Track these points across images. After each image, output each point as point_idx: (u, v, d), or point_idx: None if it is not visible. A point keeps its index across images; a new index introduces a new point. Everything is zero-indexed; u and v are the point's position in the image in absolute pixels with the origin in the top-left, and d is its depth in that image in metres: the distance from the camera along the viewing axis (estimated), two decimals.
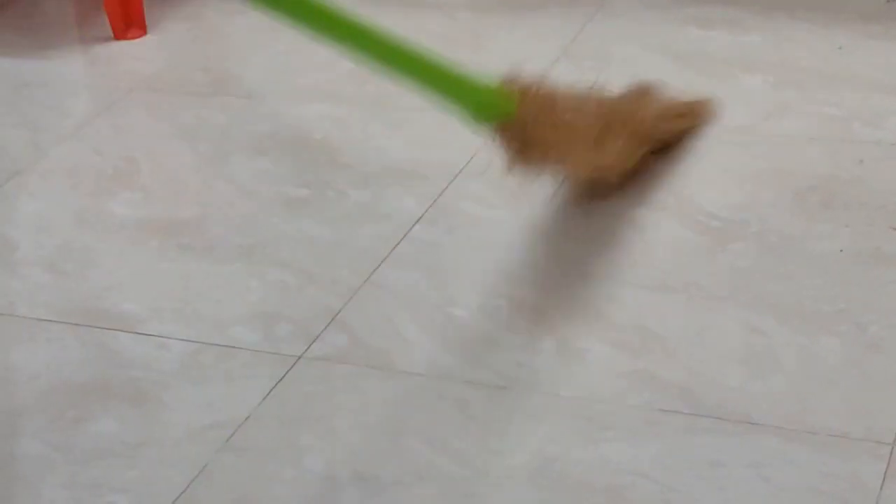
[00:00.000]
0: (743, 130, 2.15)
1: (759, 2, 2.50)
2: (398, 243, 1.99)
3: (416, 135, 2.26)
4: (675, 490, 1.51)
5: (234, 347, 1.82)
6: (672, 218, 1.97)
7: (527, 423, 1.64)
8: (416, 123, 2.29)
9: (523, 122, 1.87)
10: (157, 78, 2.57)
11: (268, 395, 1.72)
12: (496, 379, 1.71)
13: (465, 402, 1.68)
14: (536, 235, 1.98)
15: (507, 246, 1.97)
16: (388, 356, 1.78)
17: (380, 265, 1.95)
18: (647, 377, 1.68)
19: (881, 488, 1.48)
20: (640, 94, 2.05)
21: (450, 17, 2.64)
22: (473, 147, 2.16)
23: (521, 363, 1.74)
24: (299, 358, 1.79)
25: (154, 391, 1.76)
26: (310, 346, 1.81)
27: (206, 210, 2.13)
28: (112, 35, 2.71)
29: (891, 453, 1.52)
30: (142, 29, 2.73)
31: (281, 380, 1.75)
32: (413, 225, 2.03)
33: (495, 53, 2.48)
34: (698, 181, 2.04)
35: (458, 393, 1.69)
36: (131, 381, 1.78)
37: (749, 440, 1.57)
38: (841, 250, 1.86)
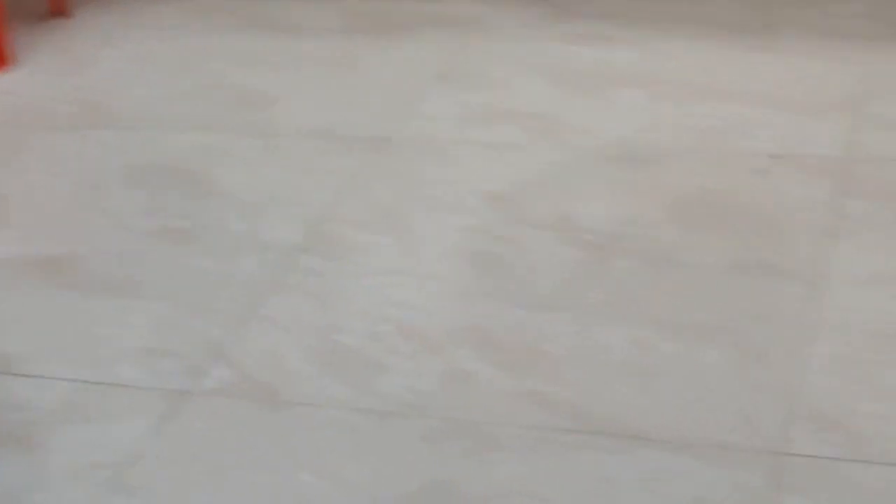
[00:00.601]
0: (619, 145, 2.16)
1: (630, 17, 2.52)
2: (281, 273, 1.98)
3: (294, 162, 2.25)
4: None
5: (118, 385, 1.79)
6: (553, 236, 1.98)
7: (418, 448, 1.63)
8: (293, 150, 2.27)
9: None
10: (27, 111, 2.52)
11: (154, 432, 1.70)
12: (385, 405, 1.70)
13: (355, 430, 1.67)
14: (416, 258, 1.98)
15: (390, 271, 1.96)
16: (276, 388, 1.76)
17: (264, 295, 1.93)
18: (536, 396, 1.68)
19: (768, 497, 1.49)
20: None
21: (325, 40, 2.64)
22: (353, 171, 2.16)
23: (410, 388, 1.73)
24: (186, 393, 1.76)
25: (37, 433, 1.72)
26: (196, 381, 1.78)
27: (83, 245, 2.09)
28: None
29: (776, 462, 1.54)
30: (8, 62, 2.68)
31: (167, 417, 1.72)
32: (295, 253, 2.02)
33: (372, 75, 2.47)
34: (578, 198, 2.05)
35: (348, 421, 1.68)
36: (13, 423, 1.74)
37: (637, 454, 1.58)
38: (720, 262, 1.88)
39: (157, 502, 1.59)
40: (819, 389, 1.64)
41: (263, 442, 1.68)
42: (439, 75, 2.43)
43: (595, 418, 1.64)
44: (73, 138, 2.40)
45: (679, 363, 1.71)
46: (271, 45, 2.64)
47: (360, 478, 1.59)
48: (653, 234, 1.95)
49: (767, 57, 2.35)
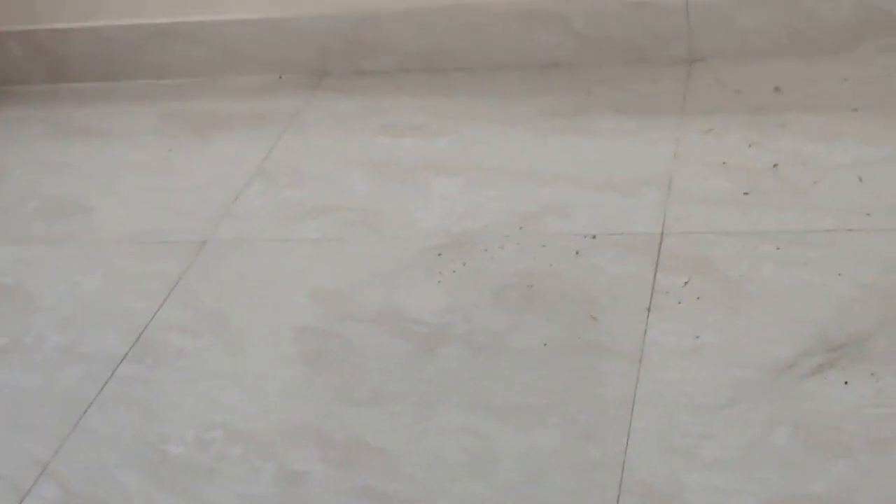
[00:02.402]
0: (440, 234, 2.18)
1: (444, 107, 2.56)
2: (104, 384, 1.94)
3: (113, 270, 2.21)
4: None
5: None
6: (381, 329, 1.98)
7: None
8: (111, 258, 2.24)
9: None
10: None
11: None
12: None
13: None
14: (244, 360, 1.96)
15: (217, 375, 1.94)
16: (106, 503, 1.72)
17: (87, 409, 1.89)
18: (370, 492, 1.68)
19: None
20: None
21: (136, 144, 2.61)
22: (174, 276, 2.13)
23: (244, 494, 1.71)
24: None
25: None
26: (20, 502, 1.73)
27: None
28: None
29: None
30: None
31: None
32: (118, 363, 1.98)
33: (188, 177, 2.46)
34: (402, 289, 2.06)
35: None
36: None
37: None
38: (545, 343, 1.90)
39: None
40: (645, 463, 1.66)
41: None
42: (257, 173, 2.43)
43: None
44: None
45: (512, 447, 1.72)
46: (84, 152, 2.60)
47: None
48: (478, 320, 1.97)
49: (580, 139, 2.40)
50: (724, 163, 2.25)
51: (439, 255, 2.13)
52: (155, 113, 2.71)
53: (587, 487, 1.65)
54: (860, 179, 2.13)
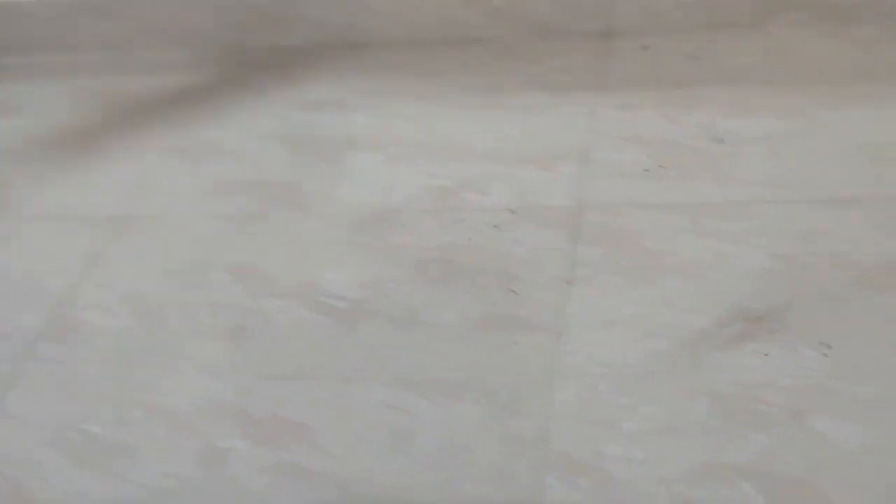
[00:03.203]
0: (359, 209, 2.18)
1: (362, 83, 2.55)
2: (22, 362, 1.92)
3: (30, 247, 2.19)
4: None
5: None
6: (300, 304, 1.98)
7: None
8: (28, 235, 2.21)
9: None
10: None
11: None
12: (141, 493, 1.67)
13: None
14: (163, 337, 1.95)
15: (137, 351, 1.92)
16: (26, 484, 1.70)
17: (4, 388, 1.87)
18: (293, 469, 1.68)
19: None
20: None
21: (53, 121, 2.58)
22: (92, 253, 2.11)
23: (167, 473, 1.70)
24: None
25: None
26: None
27: None
28: None
29: None
30: None
31: None
32: (35, 341, 1.96)
33: (103, 154, 2.43)
34: (321, 265, 2.06)
35: None
36: None
37: None
38: (465, 318, 1.91)
39: None
40: (566, 435, 1.68)
41: None
42: (172, 149, 2.41)
43: (355, 485, 1.64)
44: None
45: (432, 421, 1.73)
46: None
47: None
48: (398, 295, 1.97)
49: (496, 113, 2.41)
50: (639, 136, 2.27)
51: (359, 230, 2.13)
52: (69, 91, 2.68)
53: (510, 461, 1.66)
54: (774, 152, 2.16)
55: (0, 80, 2.76)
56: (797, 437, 1.63)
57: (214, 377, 1.86)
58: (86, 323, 2.00)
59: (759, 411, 1.67)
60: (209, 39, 2.73)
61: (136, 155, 2.41)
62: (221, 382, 1.85)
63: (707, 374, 1.74)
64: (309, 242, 2.11)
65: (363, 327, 1.92)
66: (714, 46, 2.49)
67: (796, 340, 1.77)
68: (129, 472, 1.71)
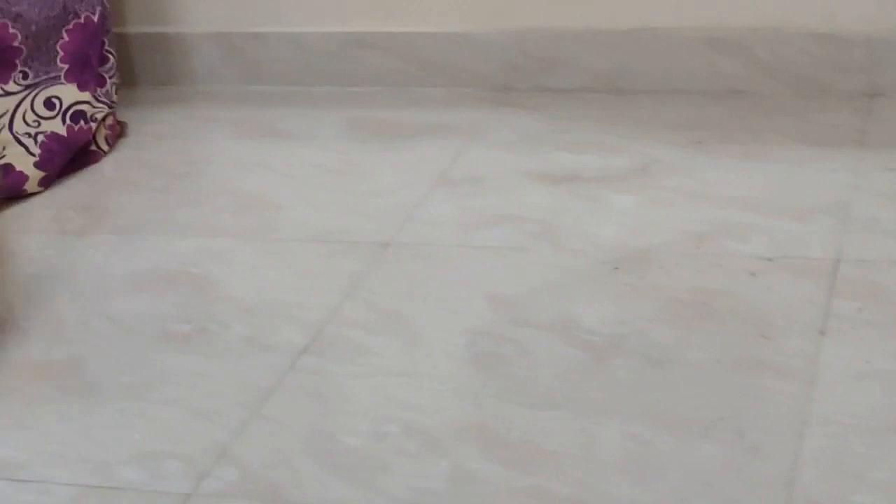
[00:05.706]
0: (615, 249, 2.21)
1: (623, 127, 2.59)
2: (284, 374, 2.00)
3: (296, 266, 2.29)
4: None
5: (119, 489, 1.79)
6: (554, 336, 2.01)
7: None
8: (295, 255, 2.31)
9: None
10: (29, 217, 2.56)
11: None
12: None
13: None
14: (420, 359, 2.01)
15: (395, 372, 1.99)
16: (281, 488, 1.77)
17: (267, 397, 1.95)
18: (539, 492, 1.71)
19: None
20: None
21: (323, 148, 2.69)
22: (355, 275, 2.20)
23: (415, 488, 1.75)
24: (189, 496, 1.77)
25: None
26: (200, 482, 1.79)
27: (85, 349, 2.11)
28: None
29: None
30: None
31: None
32: (298, 355, 2.04)
33: (371, 181, 2.53)
34: (576, 300, 2.09)
35: None
36: None
37: None
38: (717, 360, 1.92)
39: None
40: (813, 482, 1.67)
41: None
42: (440, 181, 2.49)
43: None
44: (76, 244, 2.44)
45: (676, 459, 1.74)
46: (271, 152, 2.69)
47: None
48: (650, 333, 1.99)
49: (757, 165, 2.41)
50: None
51: (615, 268, 2.16)
52: (340, 119, 2.79)
53: (753, 501, 1.66)
54: None
55: (278, 105, 2.89)
56: None
57: (468, 400, 1.91)
58: (347, 340, 2.07)
59: None
60: (478, 79, 2.82)
61: (402, 184, 2.50)
62: (474, 405, 1.89)
63: None
64: (565, 277, 2.15)
65: (615, 362, 1.94)
66: None
67: None
68: (380, 484, 1.76)
